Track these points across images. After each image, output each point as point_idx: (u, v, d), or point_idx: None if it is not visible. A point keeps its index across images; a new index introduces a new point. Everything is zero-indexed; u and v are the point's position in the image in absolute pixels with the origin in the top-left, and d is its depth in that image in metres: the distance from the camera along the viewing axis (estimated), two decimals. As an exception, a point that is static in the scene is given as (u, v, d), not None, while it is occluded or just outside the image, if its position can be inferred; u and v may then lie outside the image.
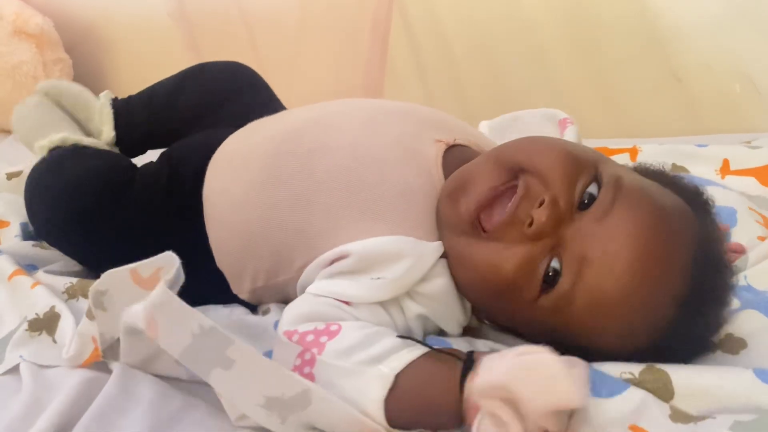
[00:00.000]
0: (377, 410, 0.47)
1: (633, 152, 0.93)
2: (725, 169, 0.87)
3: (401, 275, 0.53)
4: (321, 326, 0.51)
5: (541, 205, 0.51)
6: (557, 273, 0.50)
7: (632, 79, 1.17)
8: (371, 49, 1.28)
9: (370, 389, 0.48)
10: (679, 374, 0.49)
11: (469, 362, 0.48)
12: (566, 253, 0.50)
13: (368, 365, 0.49)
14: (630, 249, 0.49)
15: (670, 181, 0.58)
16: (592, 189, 0.52)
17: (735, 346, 0.54)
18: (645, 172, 0.59)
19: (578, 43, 1.20)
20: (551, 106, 1.25)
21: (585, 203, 0.51)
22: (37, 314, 0.63)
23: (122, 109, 0.86)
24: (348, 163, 0.59)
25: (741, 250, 0.67)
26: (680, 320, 0.50)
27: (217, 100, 0.83)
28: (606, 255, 0.49)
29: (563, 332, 0.51)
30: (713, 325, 0.54)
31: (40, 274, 0.70)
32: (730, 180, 0.85)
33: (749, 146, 0.90)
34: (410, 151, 0.60)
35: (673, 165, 0.89)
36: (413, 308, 0.55)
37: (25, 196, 0.76)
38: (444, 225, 0.56)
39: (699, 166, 0.87)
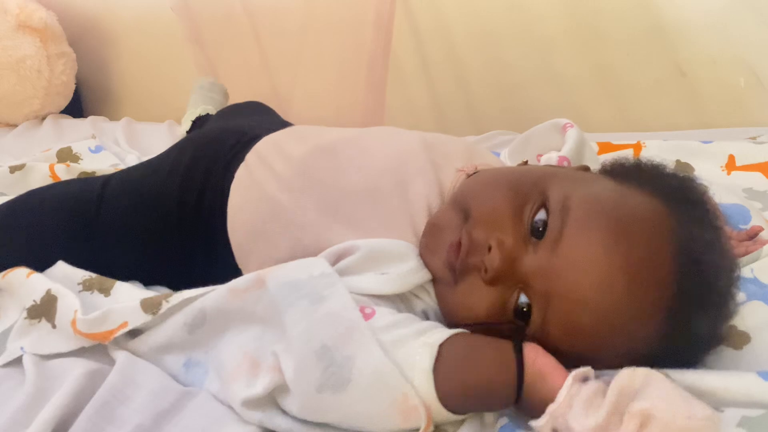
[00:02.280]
0: (426, 380, 0.46)
1: (637, 148, 0.93)
2: (731, 164, 0.87)
3: (405, 272, 0.54)
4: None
5: (490, 250, 0.50)
6: (530, 308, 0.49)
7: (636, 73, 1.17)
8: (374, 43, 1.28)
9: (416, 359, 0.47)
10: (681, 378, 0.47)
11: (518, 340, 0.48)
12: (531, 289, 0.49)
13: (410, 338, 0.48)
14: (590, 275, 0.47)
15: (649, 177, 0.55)
16: (543, 215, 0.51)
17: (738, 340, 0.54)
18: (619, 171, 0.57)
19: (582, 37, 1.20)
20: (555, 101, 1.25)
21: (540, 231, 0.50)
22: (35, 300, 0.63)
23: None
24: (374, 182, 0.62)
25: (758, 231, 0.66)
26: (675, 328, 0.48)
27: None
28: (567, 286, 0.47)
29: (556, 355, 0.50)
30: (717, 323, 0.51)
31: (61, 264, 0.71)
32: (737, 175, 0.85)
33: (755, 141, 0.90)
34: (433, 177, 0.61)
35: (678, 161, 0.88)
36: (420, 305, 0.56)
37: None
38: (430, 271, 0.56)
39: (704, 162, 0.87)
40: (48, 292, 0.63)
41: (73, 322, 0.59)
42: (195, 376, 0.56)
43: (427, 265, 0.56)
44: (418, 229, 0.58)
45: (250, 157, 0.69)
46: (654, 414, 0.41)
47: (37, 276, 0.66)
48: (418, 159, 0.64)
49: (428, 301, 0.56)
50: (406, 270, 0.54)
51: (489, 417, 0.50)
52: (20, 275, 0.67)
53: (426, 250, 0.56)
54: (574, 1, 1.19)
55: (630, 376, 0.43)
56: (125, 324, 0.57)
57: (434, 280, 0.56)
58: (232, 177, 0.68)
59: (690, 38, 1.11)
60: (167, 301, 0.57)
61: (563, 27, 1.21)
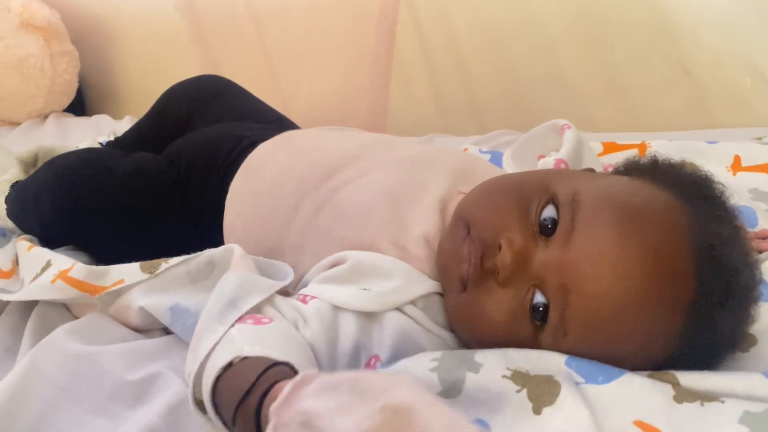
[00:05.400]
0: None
1: (642, 148, 0.92)
2: (737, 165, 0.86)
3: (387, 292, 0.53)
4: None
5: (500, 250, 0.50)
6: (546, 307, 0.49)
7: (641, 73, 1.17)
8: (378, 43, 1.27)
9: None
10: (686, 377, 0.47)
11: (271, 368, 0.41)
12: (547, 286, 0.48)
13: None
14: (605, 267, 0.46)
15: (664, 174, 0.55)
16: (551, 212, 0.50)
17: (745, 343, 0.53)
18: (634, 168, 0.57)
19: (587, 37, 1.19)
20: (559, 100, 1.25)
21: (549, 228, 0.50)
22: (36, 273, 0.64)
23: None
24: (374, 202, 0.61)
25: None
26: (695, 325, 0.47)
27: (193, 111, 0.91)
28: (583, 279, 0.47)
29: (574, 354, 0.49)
30: (738, 323, 0.50)
31: (62, 251, 0.72)
32: (742, 176, 0.84)
33: (760, 142, 0.89)
34: (436, 200, 0.60)
35: (684, 161, 0.87)
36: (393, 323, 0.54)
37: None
38: (443, 289, 0.56)
39: (709, 163, 0.85)
40: (48, 263, 0.64)
41: (64, 272, 0.60)
42: (183, 324, 0.55)
43: (444, 286, 0.55)
44: (409, 251, 0.57)
45: (245, 169, 0.70)
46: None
47: (37, 249, 0.68)
48: (422, 178, 0.63)
49: (426, 324, 0.54)
50: (388, 288, 0.53)
51: None
52: (22, 247, 0.69)
53: (442, 271, 0.55)
54: (580, 1, 1.19)
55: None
56: (121, 281, 0.57)
57: (447, 299, 0.55)
58: (227, 189, 0.69)
59: (695, 38, 1.11)
60: (167, 262, 0.58)
61: (568, 26, 1.20)
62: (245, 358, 0.42)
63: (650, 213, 0.49)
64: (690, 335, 0.48)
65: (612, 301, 0.46)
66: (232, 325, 0.46)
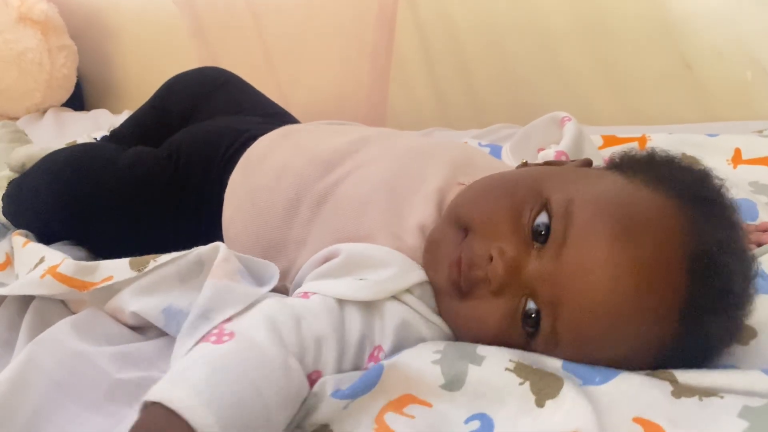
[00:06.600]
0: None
1: (642, 141, 0.92)
2: (737, 158, 0.86)
3: (383, 280, 0.53)
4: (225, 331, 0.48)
5: (491, 260, 0.49)
6: (538, 314, 0.48)
7: (642, 67, 1.16)
8: (377, 37, 1.27)
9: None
10: (684, 375, 0.47)
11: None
12: (538, 297, 0.48)
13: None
14: (596, 281, 0.46)
15: (661, 172, 0.53)
16: (544, 218, 0.49)
17: (744, 335, 0.53)
18: (629, 165, 0.55)
19: (588, 30, 1.19)
20: (559, 94, 1.24)
21: (542, 234, 0.49)
22: (30, 268, 0.64)
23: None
24: (371, 194, 0.61)
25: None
26: (688, 332, 0.47)
27: (196, 102, 0.91)
28: (574, 293, 0.46)
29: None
30: (731, 325, 0.50)
31: (59, 245, 0.72)
32: (743, 169, 0.84)
33: (761, 135, 0.89)
34: (434, 191, 0.60)
35: (683, 155, 0.87)
36: (396, 315, 0.53)
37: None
38: (434, 289, 0.55)
39: (710, 156, 0.85)
40: (42, 259, 0.64)
41: (53, 268, 0.59)
42: (177, 324, 0.54)
43: (431, 281, 0.55)
44: (404, 240, 0.57)
45: (244, 162, 0.70)
46: None
47: (33, 245, 0.68)
48: (421, 170, 0.63)
49: (421, 310, 0.54)
50: (385, 276, 0.53)
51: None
52: (17, 243, 0.69)
53: (428, 267, 0.55)
54: (580, -6, 1.18)
55: None
56: (110, 278, 0.57)
57: (438, 296, 0.55)
58: (226, 183, 0.70)
59: (696, 31, 1.10)
60: (155, 260, 0.57)
61: (568, 19, 1.20)
62: (156, 404, 0.40)
63: (645, 224, 0.48)
64: (682, 342, 0.47)
65: (603, 314, 0.46)
66: (198, 341, 0.46)
